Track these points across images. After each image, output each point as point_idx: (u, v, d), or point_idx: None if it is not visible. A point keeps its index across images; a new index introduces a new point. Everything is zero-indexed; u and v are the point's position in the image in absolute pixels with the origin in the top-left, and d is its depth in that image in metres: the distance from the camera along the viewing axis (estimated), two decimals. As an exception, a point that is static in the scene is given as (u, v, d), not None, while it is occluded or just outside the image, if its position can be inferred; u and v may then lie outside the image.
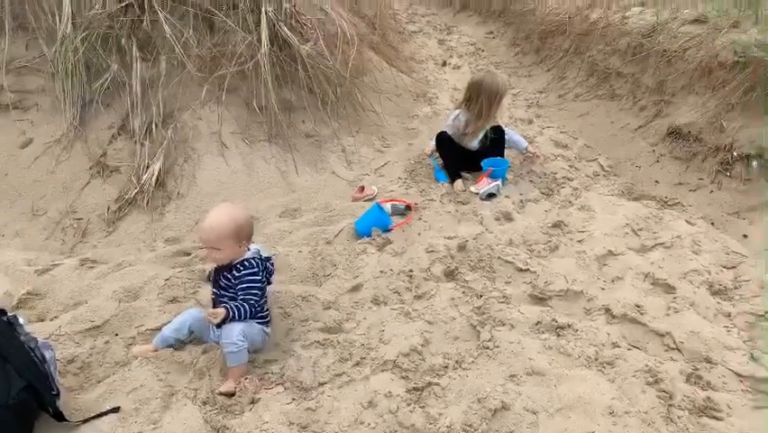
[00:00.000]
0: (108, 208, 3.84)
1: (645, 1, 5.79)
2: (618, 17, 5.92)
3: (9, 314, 2.23)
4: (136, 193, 3.88)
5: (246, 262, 2.55)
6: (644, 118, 5.02)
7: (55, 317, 2.86)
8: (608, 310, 2.80)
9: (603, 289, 3.01)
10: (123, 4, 4.20)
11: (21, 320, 2.25)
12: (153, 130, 4.12)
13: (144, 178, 3.92)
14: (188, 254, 3.42)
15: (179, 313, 2.68)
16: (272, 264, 2.77)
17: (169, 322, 2.64)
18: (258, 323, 2.56)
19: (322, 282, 3.13)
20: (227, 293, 2.56)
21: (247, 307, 2.46)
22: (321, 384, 2.37)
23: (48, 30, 4.28)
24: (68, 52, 4.12)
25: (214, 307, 2.55)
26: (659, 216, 3.68)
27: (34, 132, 4.18)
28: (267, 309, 2.66)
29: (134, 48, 4.22)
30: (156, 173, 3.92)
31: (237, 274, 2.53)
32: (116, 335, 2.69)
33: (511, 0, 8.94)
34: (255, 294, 2.53)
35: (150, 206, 3.85)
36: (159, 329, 2.64)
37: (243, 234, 2.53)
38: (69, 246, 3.64)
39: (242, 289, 2.51)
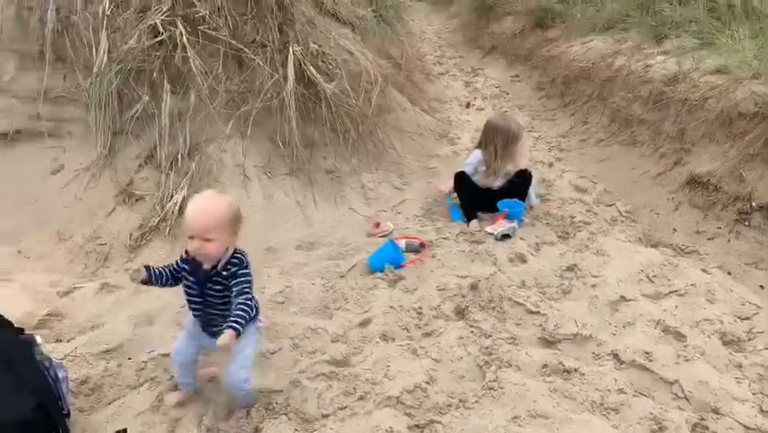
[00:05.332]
0: (131, 235, 3.95)
1: (668, 51, 5.83)
2: (641, 65, 5.97)
3: (27, 333, 2.32)
4: (159, 221, 3.99)
5: (236, 257, 2.25)
6: (663, 165, 5.02)
7: (72, 338, 2.94)
8: (616, 356, 2.79)
9: (613, 334, 3.00)
10: (156, 40, 4.38)
11: (38, 340, 2.33)
12: (179, 161, 4.24)
13: (168, 207, 4.02)
14: (205, 283, 3.49)
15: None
16: None
17: (175, 358, 2.46)
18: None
19: (332, 315, 3.17)
20: (220, 300, 2.27)
21: (252, 305, 2.22)
22: (324, 416, 2.40)
23: (85, 62, 4.46)
24: (103, 84, 4.29)
25: (207, 322, 2.33)
26: (675, 263, 3.66)
27: (66, 159, 4.34)
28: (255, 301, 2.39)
29: (165, 81, 4.37)
30: (179, 203, 4.02)
31: (227, 274, 2.22)
32: (129, 358, 2.75)
33: (538, 45, 9.07)
34: (251, 288, 2.25)
35: (172, 234, 3.94)
36: (169, 355, 2.67)
37: (239, 223, 2.26)
38: (91, 270, 3.74)
39: (239, 284, 2.20)
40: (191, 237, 2.13)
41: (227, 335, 2.02)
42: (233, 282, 2.20)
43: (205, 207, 2.17)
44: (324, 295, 3.35)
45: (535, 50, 9.03)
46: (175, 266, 2.31)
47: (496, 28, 10.77)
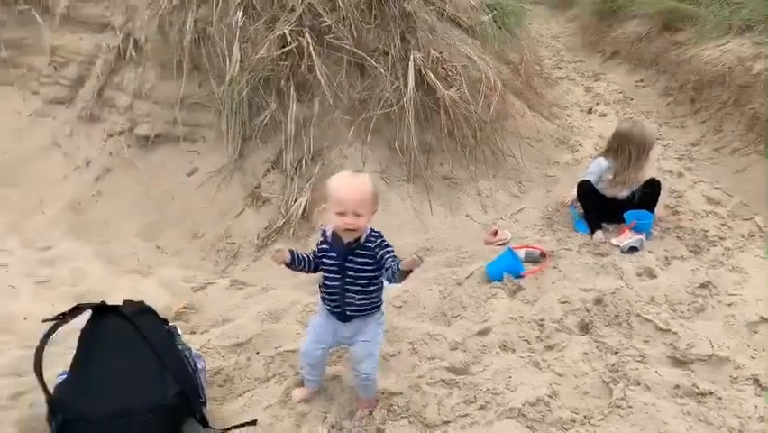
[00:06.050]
0: (258, 235, 4.15)
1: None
2: (785, 69, 5.52)
3: (170, 324, 2.49)
4: (283, 223, 4.17)
5: (375, 231, 2.29)
6: (810, 178, 4.61)
7: (205, 331, 3.13)
8: (756, 381, 2.59)
9: (753, 357, 2.78)
10: (284, 50, 4.58)
11: (179, 331, 2.49)
12: (303, 166, 4.42)
13: (292, 209, 4.20)
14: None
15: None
16: None
17: (303, 359, 2.49)
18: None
19: (450, 322, 3.17)
20: (364, 274, 2.27)
21: None
22: (445, 423, 2.39)
23: (218, 71, 4.76)
24: (234, 92, 4.55)
25: (344, 302, 2.32)
26: (824, 284, 3.35)
27: (200, 162, 4.65)
28: None
29: (292, 90, 4.57)
30: (303, 206, 4.18)
31: (372, 246, 2.24)
32: (257, 352, 2.88)
33: (665, 49, 8.61)
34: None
35: (296, 235, 4.10)
36: (294, 351, 2.78)
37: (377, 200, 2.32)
38: (222, 267, 3.97)
39: (389, 252, 2.22)
40: (341, 213, 2.17)
41: (408, 260, 2.07)
42: (382, 252, 2.22)
43: (354, 183, 2.21)
44: (441, 302, 3.35)
45: (662, 54, 8.56)
46: (312, 255, 2.38)
47: (618, 31, 10.33)
